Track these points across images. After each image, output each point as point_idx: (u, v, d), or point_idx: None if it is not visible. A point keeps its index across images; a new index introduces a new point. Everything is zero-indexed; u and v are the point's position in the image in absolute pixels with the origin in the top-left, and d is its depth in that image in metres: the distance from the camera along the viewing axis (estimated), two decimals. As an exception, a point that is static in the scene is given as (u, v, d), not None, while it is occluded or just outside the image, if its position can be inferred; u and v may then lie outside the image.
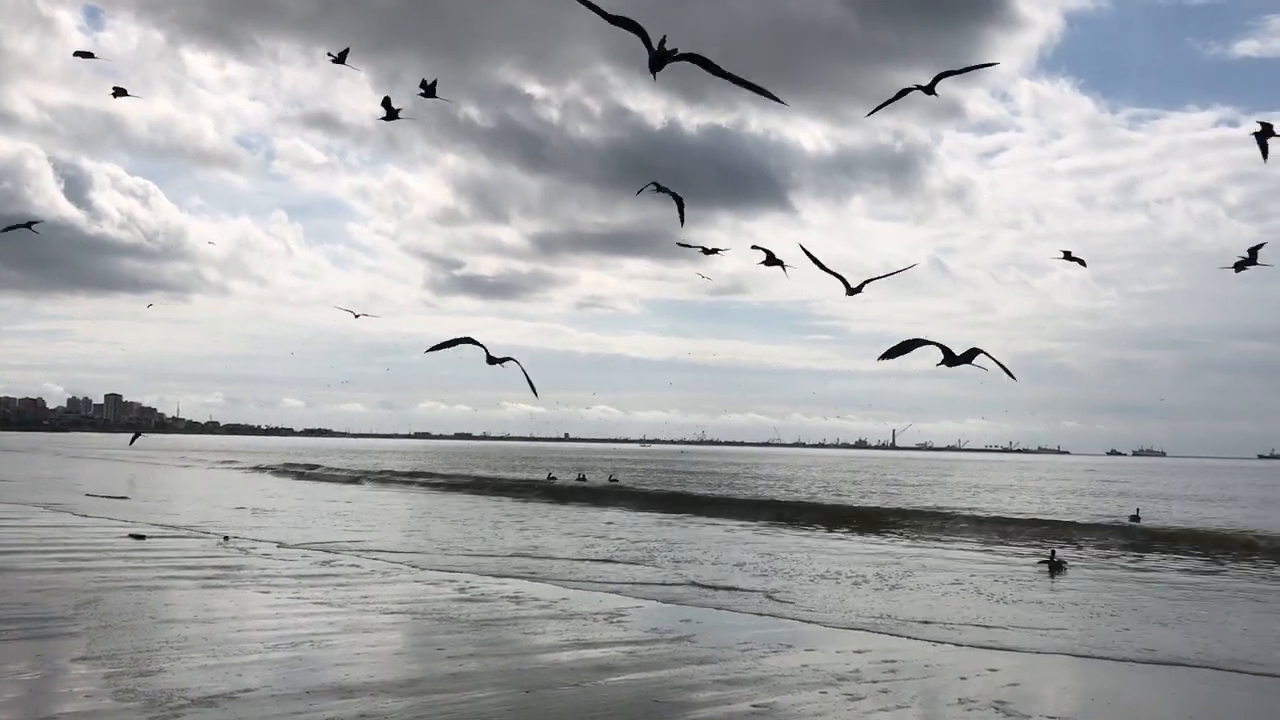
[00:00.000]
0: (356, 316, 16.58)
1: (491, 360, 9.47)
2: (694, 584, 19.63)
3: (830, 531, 33.11)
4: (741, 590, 18.93)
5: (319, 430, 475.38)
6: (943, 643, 14.15)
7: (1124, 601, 18.72)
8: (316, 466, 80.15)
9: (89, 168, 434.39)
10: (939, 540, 30.68)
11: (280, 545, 24.38)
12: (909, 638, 14.46)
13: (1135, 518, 40.49)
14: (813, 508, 41.64)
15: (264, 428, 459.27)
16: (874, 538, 31.66)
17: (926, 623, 15.80)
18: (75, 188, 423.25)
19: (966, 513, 40.82)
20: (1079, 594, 19.68)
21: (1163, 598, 19.39)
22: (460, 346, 9.52)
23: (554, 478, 66.34)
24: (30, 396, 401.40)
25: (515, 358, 9.11)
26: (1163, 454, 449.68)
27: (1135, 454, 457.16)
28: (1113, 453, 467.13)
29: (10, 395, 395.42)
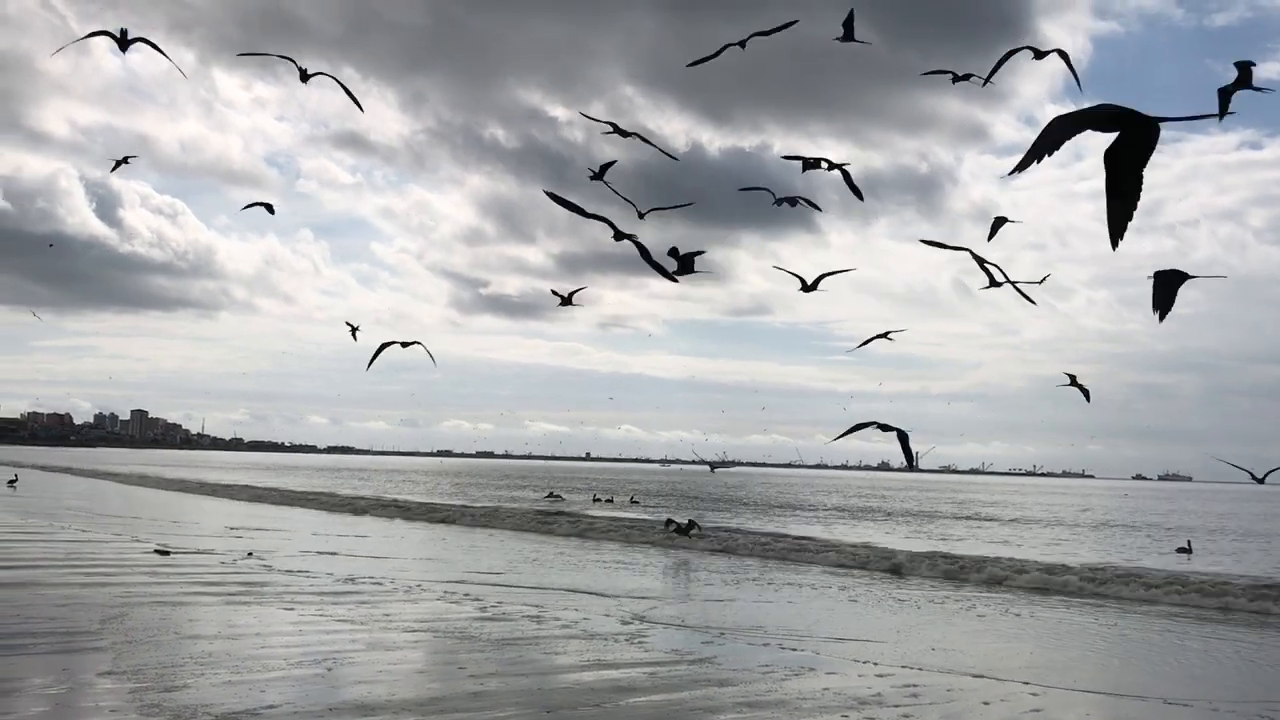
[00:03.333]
0: (355, 330, 16.50)
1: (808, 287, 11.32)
2: (719, 626, 19.56)
3: (858, 571, 32.93)
4: (762, 624, 18.87)
5: (342, 448, 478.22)
6: (966, 671, 14.06)
7: (1168, 643, 18.13)
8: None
9: (119, 186, 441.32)
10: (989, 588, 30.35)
11: (302, 559, 24.50)
12: (932, 666, 14.37)
13: (1185, 549, 38.42)
14: (839, 546, 41.26)
15: (288, 444, 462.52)
16: (914, 580, 31.45)
17: (952, 652, 15.71)
18: (105, 206, 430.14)
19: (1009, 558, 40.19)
20: (1121, 633, 19.42)
21: (1211, 638, 18.72)
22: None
23: (556, 496, 65.96)
24: (58, 412, 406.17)
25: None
26: (1189, 479, 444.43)
27: (1161, 478, 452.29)
28: (1138, 477, 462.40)
29: (39, 410, 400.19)
